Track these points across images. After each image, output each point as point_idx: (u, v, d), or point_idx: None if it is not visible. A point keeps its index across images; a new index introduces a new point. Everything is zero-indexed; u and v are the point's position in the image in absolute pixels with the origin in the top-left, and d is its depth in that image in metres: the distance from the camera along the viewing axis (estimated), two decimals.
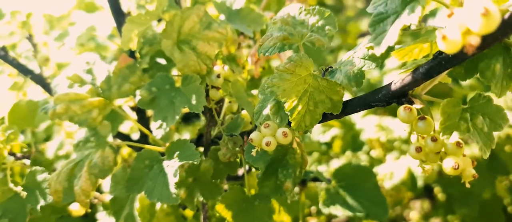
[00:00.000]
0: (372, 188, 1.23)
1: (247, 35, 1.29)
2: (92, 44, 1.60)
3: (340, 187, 1.22)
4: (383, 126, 1.92)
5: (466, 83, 1.91)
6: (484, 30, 0.49)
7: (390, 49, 0.66)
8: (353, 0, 3.23)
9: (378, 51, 0.65)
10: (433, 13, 1.74)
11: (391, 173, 1.81)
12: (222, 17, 1.20)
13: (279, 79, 0.77)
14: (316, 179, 1.31)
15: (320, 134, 2.00)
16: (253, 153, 0.86)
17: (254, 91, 1.30)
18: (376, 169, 1.81)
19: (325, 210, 1.16)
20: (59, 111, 0.99)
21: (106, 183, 1.46)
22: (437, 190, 2.09)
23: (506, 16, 0.53)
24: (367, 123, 1.96)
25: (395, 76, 2.05)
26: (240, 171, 1.30)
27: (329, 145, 2.06)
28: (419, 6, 0.62)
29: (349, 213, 1.15)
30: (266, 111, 0.84)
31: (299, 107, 0.77)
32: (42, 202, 1.01)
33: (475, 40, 0.51)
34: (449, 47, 0.53)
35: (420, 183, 1.79)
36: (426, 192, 2.13)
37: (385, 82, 2.05)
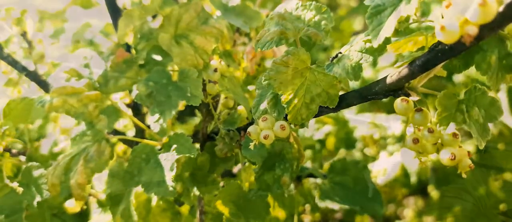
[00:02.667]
0: (367, 183, 1.24)
1: (243, 32, 1.30)
2: (85, 41, 1.59)
3: (335, 182, 1.23)
4: (376, 123, 1.93)
5: (458, 80, 1.93)
6: (482, 20, 0.50)
7: (387, 41, 0.66)
8: None
9: (376, 42, 0.66)
10: (425, 14, 1.75)
11: (384, 169, 1.82)
12: (218, 13, 1.20)
13: (276, 72, 0.77)
14: (311, 175, 1.32)
15: (313, 130, 2.00)
16: (251, 146, 0.87)
17: (250, 87, 1.31)
18: (369, 166, 1.82)
19: (322, 204, 1.17)
20: (56, 104, 0.99)
21: (97, 182, 1.46)
22: (431, 188, 2.11)
23: (502, 8, 0.53)
24: (360, 120, 1.97)
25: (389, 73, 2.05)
26: (236, 169, 1.30)
27: (322, 142, 2.07)
28: None
29: (345, 206, 1.16)
30: (264, 105, 0.85)
31: (296, 100, 0.78)
32: (38, 198, 1.01)
33: (473, 30, 0.51)
34: (448, 37, 0.54)
35: (413, 179, 1.80)
36: (420, 190, 2.14)
37: None
